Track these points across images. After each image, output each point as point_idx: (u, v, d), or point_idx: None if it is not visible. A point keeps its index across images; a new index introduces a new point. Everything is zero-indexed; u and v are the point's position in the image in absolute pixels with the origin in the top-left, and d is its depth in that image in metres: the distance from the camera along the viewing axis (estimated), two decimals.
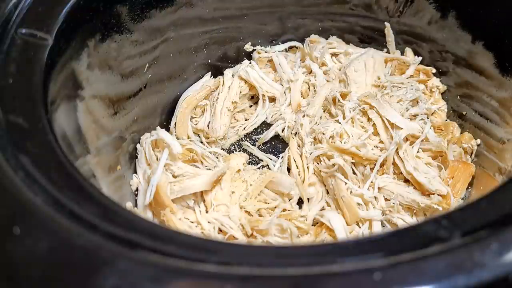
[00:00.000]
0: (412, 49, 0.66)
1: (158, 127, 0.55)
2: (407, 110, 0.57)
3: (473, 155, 0.56)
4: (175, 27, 0.58)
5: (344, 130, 0.55)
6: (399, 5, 0.63)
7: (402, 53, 0.66)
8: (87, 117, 0.44)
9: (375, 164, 0.52)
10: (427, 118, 0.58)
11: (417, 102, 0.59)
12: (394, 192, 0.51)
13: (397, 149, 0.52)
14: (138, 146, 0.54)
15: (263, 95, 0.64)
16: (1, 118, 0.34)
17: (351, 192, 0.52)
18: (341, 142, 0.53)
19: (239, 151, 0.61)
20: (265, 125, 0.65)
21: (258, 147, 0.62)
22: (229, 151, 0.61)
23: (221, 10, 0.62)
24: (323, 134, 0.55)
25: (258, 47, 0.68)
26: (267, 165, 0.59)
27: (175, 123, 0.61)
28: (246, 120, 0.65)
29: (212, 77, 0.66)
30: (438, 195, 0.50)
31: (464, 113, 0.59)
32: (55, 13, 0.41)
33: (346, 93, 0.59)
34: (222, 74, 0.66)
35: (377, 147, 0.55)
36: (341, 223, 0.49)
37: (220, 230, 0.48)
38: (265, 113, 0.65)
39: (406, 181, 0.53)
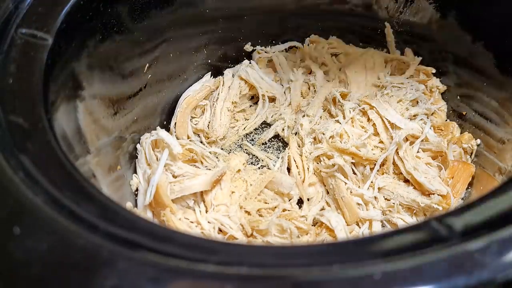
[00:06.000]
0: (412, 49, 0.66)
1: (158, 127, 0.55)
2: (407, 110, 0.57)
3: (473, 155, 0.56)
4: (175, 27, 0.58)
5: (344, 130, 0.55)
6: (399, 5, 0.63)
7: (402, 53, 0.66)
8: (87, 117, 0.44)
9: (375, 164, 0.52)
10: (427, 118, 0.58)
11: (417, 102, 0.59)
12: (394, 192, 0.51)
13: (397, 149, 0.52)
14: (138, 146, 0.54)
15: (263, 95, 0.64)
16: (1, 118, 0.34)
17: (351, 192, 0.52)
18: (341, 142, 0.53)
19: (239, 151, 0.61)
20: (265, 125, 0.65)
21: (258, 147, 0.62)
22: (229, 151, 0.62)
23: (221, 10, 0.62)
24: (323, 134, 0.55)
25: (258, 47, 0.68)
26: (267, 165, 0.59)
27: (175, 123, 0.61)
28: (246, 120, 0.65)
29: (212, 77, 0.66)
30: (438, 195, 0.50)
31: (464, 113, 0.59)
32: (55, 13, 0.41)
33: (346, 93, 0.59)
34: (222, 74, 0.66)
35: (377, 147, 0.55)
36: (341, 223, 0.49)
37: (220, 230, 0.48)
38: (265, 113, 0.65)
39: (406, 181, 0.53)
